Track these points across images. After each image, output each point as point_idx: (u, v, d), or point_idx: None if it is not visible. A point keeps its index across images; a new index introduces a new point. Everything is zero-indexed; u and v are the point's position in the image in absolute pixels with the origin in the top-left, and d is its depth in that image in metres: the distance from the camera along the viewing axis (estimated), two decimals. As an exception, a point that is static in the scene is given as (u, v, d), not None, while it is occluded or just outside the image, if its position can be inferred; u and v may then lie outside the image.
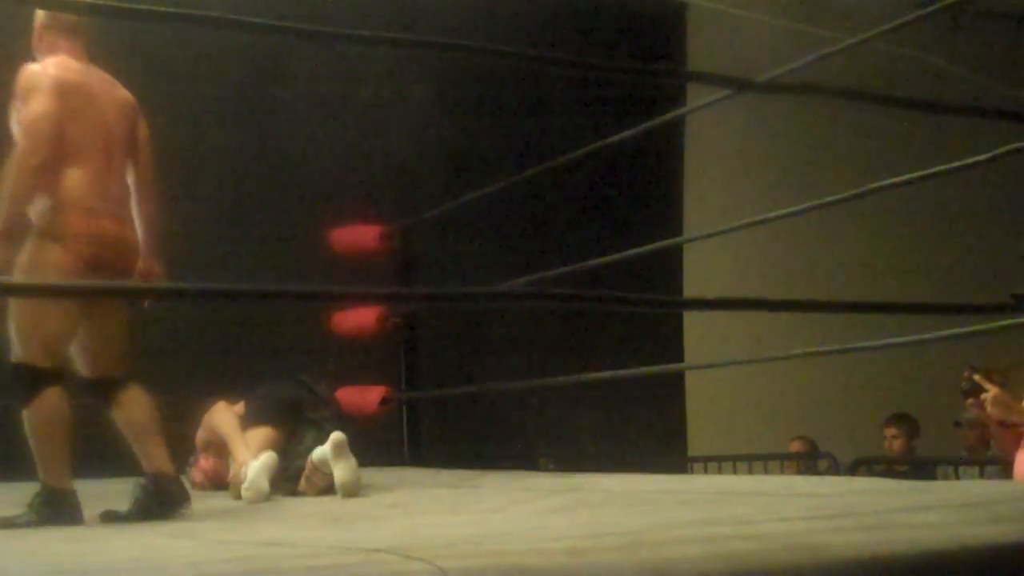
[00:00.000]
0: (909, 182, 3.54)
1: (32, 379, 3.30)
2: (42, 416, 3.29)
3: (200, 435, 4.74)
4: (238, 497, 4.11)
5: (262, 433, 4.45)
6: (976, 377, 3.99)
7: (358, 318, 5.88)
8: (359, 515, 3.26)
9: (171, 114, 6.09)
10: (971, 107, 3.94)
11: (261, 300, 4.19)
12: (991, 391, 3.96)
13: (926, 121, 6.98)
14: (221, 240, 6.16)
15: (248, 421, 4.55)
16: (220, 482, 4.58)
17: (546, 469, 5.97)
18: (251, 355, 5.81)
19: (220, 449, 4.61)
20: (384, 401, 5.76)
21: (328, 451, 4.02)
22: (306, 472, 4.23)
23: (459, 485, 4.35)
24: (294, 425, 4.54)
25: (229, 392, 4.89)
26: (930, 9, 4.13)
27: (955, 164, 3.35)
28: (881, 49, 5.27)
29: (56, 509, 3.26)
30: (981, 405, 4.01)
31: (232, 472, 4.36)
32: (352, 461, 4.04)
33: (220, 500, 4.18)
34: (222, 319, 5.82)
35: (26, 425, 3.32)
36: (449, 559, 1.91)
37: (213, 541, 2.65)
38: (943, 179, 3.55)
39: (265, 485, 4.03)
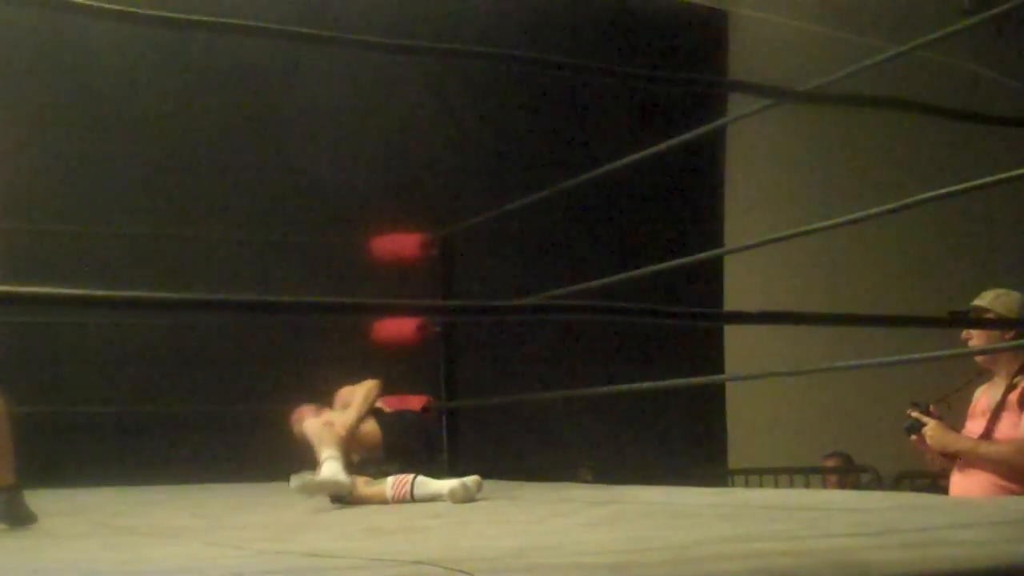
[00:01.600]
0: (955, 193, 3.50)
1: None
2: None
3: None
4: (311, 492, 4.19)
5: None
6: (914, 414, 4.01)
7: (398, 327, 5.91)
8: (401, 527, 3.26)
9: (214, 125, 6.18)
10: (1017, 118, 3.90)
11: (293, 313, 4.22)
12: (929, 425, 3.97)
13: (971, 130, 6.92)
14: (264, 249, 6.23)
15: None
16: None
17: (585, 480, 5.95)
18: (293, 364, 5.85)
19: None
20: (425, 410, 5.77)
21: (457, 492, 4.03)
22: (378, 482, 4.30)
23: (499, 496, 4.34)
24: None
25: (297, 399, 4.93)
26: (976, 19, 4.10)
27: (1005, 175, 3.30)
28: (924, 58, 5.23)
29: (14, 509, 3.25)
30: (923, 441, 4.02)
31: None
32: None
33: (265, 511, 4.19)
34: (265, 328, 5.86)
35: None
36: (491, 572, 1.91)
37: (255, 551, 2.66)
38: (991, 188, 3.51)
39: (342, 476, 4.13)
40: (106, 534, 3.18)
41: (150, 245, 6.04)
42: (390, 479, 4.23)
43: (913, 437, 4.07)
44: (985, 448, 3.94)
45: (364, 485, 4.29)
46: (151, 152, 6.11)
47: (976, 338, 4.07)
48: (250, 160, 6.20)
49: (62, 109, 5.85)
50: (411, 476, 4.20)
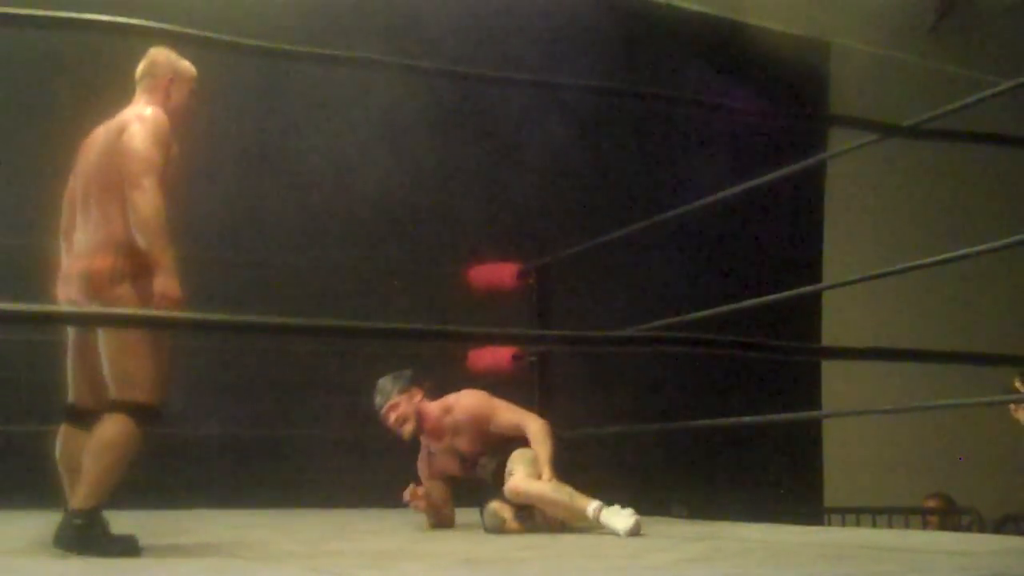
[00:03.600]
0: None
1: (148, 416, 3.32)
2: (127, 447, 3.29)
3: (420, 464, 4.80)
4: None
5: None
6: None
7: (494, 356, 5.94)
8: (494, 557, 3.27)
9: (319, 152, 6.28)
10: None
11: (391, 338, 4.26)
12: None
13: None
14: (365, 276, 6.32)
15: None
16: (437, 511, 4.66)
17: (679, 516, 5.90)
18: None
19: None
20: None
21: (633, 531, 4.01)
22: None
23: (593, 529, 4.33)
24: None
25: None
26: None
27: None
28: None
29: (107, 532, 3.26)
30: None
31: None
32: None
33: (360, 538, 4.22)
34: (364, 354, 5.90)
35: (104, 447, 3.26)
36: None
37: (354, 577, 2.68)
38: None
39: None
40: (210, 557, 3.23)
41: (258, 271, 6.11)
42: (594, 504, 4.19)
43: (1013, 407, 3.92)
44: None
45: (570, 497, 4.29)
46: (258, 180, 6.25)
47: None
48: (354, 188, 6.29)
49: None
50: (600, 503, 4.17)
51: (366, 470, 5.84)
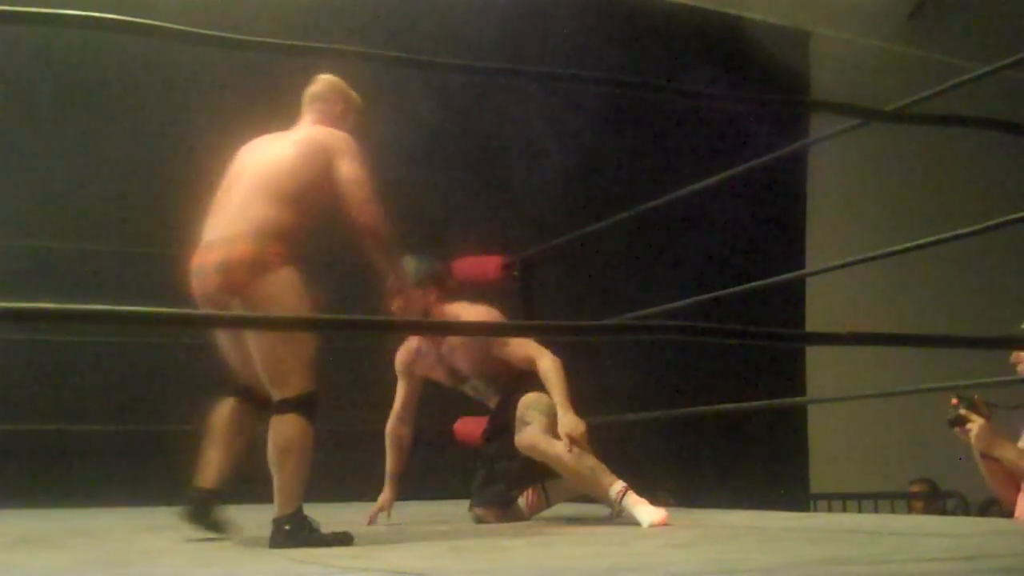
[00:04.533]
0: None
1: (311, 406, 3.33)
2: (303, 444, 3.30)
3: None
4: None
5: None
6: (962, 411, 3.86)
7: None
8: (485, 545, 3.27)
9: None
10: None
11: (379, 330, 4.25)
12: (976, 423, 3.83)
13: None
14: (348, 270, 6.29)
15: None
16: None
17: (666, 503, 5.91)
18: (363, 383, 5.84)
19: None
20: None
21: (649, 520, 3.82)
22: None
23: (581, 517, 4.33)
24: None
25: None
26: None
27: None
28: (1014, 77, 5.14)
29: (312, 531, 3.28)
30: (967, 434, 3.87)
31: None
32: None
33: (343, 528, 4.21)
34: (357, 348, 5.87)
35: (282, 451, 3.29)
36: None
37: (342, 568, 2.68)
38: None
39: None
40: (192, 550, 3.22)
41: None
42: (620, 484, 3.93)
43: (956, 429, 3.94)
44: None
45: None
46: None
47: None
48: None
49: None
50: (626, 485, 3.91)
51: (348, 463, 5.82)
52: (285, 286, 3.37)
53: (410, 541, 3.58)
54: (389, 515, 4.38)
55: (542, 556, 2.97)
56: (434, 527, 4.17)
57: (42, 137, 5.81)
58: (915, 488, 7.05)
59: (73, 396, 5.70)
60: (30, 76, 5.77)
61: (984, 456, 3.96)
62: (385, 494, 4.44)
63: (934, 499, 6.91)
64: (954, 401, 3.90)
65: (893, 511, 6.84)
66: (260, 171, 3.53)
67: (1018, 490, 3.89)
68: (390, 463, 4.51)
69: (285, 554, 3.03)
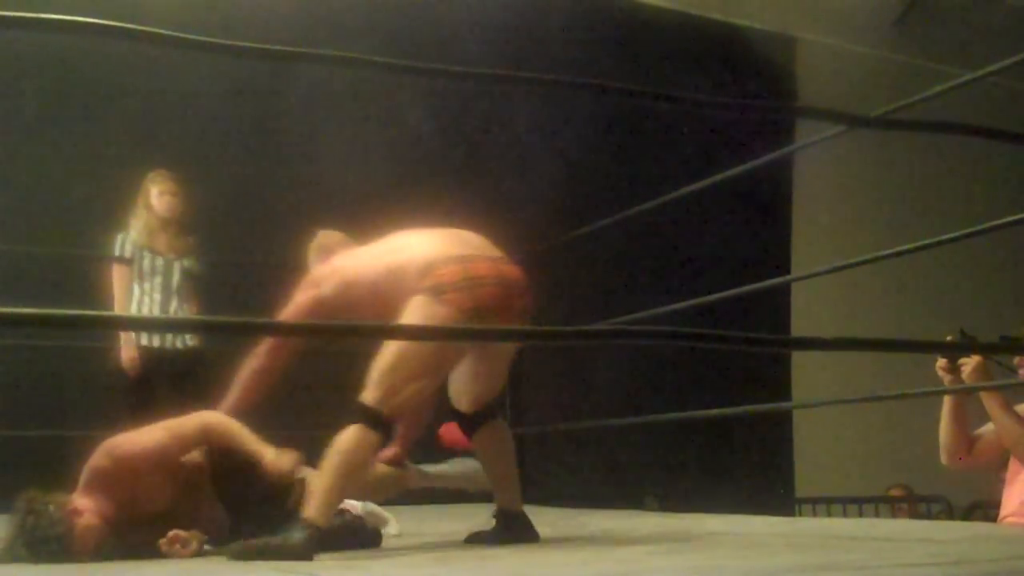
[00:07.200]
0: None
1: (375, 422, 3.29)
2: (357, 456, 3.28)
3: None
4: None
5: None
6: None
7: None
8: (468, 554, 3.26)
9: (302, 145, 6.25)
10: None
11: (367, 336, 4.23)
12: (971, 361, 3.73)
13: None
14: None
15: None
16: None
17: (651, 509, 5.92)
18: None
19: None
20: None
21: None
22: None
23: (565, 523, 4.33)
24: None
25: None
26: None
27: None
28: (999, 84, 5.17)
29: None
30: (955, 372, 3.77)
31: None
32: None
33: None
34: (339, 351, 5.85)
35: (335, 453, 3.24)
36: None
37: None
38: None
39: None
40: (179, 559, 3.21)
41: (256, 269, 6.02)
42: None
43: (944, 374, 3.82)
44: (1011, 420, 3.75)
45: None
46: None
47: None
48: (337, 182, 6.24)
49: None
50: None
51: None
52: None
53: (396, 550, 3.57)
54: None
55: (525, 564, 2.97)
56: (421, 536, 4.16)
57: (25, 140, 5.80)
58: (893, 494, 7.10)
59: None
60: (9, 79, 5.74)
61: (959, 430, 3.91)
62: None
63: (918, 503, 6.96)
64: (949, 338, 3.75)
65: (878, 515, 6.86)
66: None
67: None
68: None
69: (273, 564, 3.02)
